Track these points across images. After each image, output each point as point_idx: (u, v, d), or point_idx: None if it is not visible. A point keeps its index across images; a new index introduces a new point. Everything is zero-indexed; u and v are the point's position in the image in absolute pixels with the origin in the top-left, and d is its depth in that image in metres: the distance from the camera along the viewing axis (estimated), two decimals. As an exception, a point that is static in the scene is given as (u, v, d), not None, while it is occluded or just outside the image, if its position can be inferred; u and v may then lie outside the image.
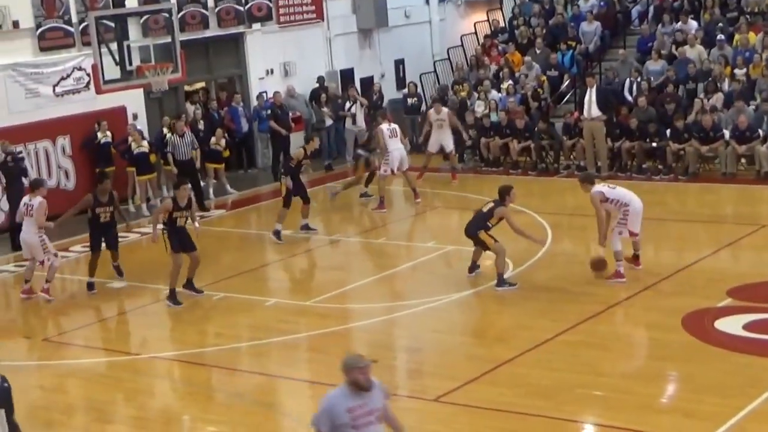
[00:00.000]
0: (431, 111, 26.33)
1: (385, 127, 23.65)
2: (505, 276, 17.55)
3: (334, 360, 14.95)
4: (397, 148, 23.56)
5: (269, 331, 16.29)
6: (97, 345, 16.41)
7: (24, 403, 14.28)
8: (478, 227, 17.61)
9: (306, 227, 21.87)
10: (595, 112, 25.19)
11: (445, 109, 26.24)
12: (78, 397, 14.72)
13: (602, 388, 13.34)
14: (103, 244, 19.12)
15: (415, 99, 29.85)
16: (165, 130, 25.40)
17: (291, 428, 13.21)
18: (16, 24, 23.94)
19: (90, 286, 18.98)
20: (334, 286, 18.38)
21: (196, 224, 18.43)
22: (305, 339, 16.06)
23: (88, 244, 19.35)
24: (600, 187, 17.75)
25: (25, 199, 18.55)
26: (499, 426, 12.45)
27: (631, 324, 15.59)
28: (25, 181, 22.74)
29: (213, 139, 25.85)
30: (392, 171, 23.70)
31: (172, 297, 17.73)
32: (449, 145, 26.04)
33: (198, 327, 16.89)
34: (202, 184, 25.31)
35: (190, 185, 18.72)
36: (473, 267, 18.16)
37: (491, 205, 17.59)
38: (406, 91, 30.54)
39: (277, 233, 21.33)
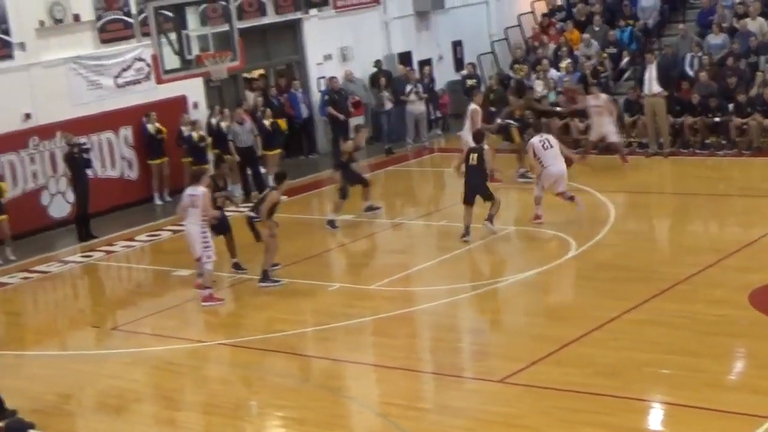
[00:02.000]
0: (589, 96, 25.19)
1: (536, 139, 20.31)
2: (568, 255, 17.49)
3: (400, 343, 15.13)
4: (553, 164, 19.92)
5: (334, 316, 16.35)
6: (165, 333, 16.54)
7: (94, 392, 14.55)
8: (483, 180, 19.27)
9: (370, 208, 22.13)
10: (656, 88, 24.97)
11: (603, 95, 24.82)
12: (147, 384, 14.87)
13: (669, 366, 13.25)
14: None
15: (474, 80, 29.73)
16: (213, 120, 25.50)
17: (358, 412, 13.24)
18: (76, 17, 24.16)
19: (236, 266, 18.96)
20: (398, 269, 18.40)
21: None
22: (370, 323, 16.10)
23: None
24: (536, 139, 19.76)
25: (189, 190, 17.57)
26: (565, 406, 12.41)
27: (697, 301, 15.43)
28: (90, 173, 23.03)
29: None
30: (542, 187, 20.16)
31: (269, 277, 18.10)
32: (611, 135, 24.45)
33: (263, 313, 16.98)
34: (262, 171, 25.43)
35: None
36: (467, 232, 19.21)
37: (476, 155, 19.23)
38: (464, 72, 30.45)
39: (331, 222, 21.44)
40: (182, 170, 24.69)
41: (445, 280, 17.73)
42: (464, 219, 19.32)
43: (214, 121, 25.50)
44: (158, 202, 25.13)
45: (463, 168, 19.57)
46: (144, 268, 20.93)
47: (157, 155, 24.96)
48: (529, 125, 23.35)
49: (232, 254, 18.82)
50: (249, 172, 24.97)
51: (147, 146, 25.04)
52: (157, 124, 24.85)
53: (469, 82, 29.63)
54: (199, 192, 17.36)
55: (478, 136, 20.18)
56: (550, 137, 20.48)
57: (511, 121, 24.40)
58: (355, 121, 28.30)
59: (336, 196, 21.71)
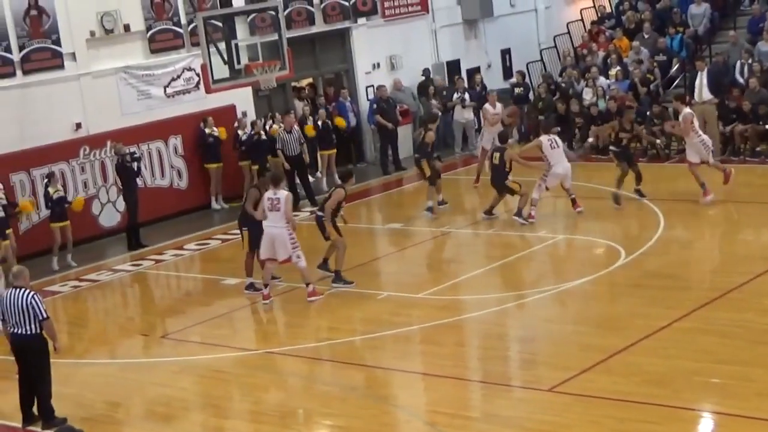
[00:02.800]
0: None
1: (545, 138, 21.21)
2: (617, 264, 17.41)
3: (448, 352, 15.10)
4: (559, 162, 21.11)
5: (382, 324, 16.34)
6: (213, 341, 16.60)
7: (142, 400, 14.63)
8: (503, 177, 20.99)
9: (441, 202, 22.94)
10: (707, 95, 24.80)
11: (686, 110, 21.73)
12: (195, 393, 14.93)
13: (720, 376, 13.14)
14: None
15: (522, 88, 29.64)
16: (267, 127, 25.68)
17: (405, 421, 13.23)
18: (127, 27, 24.36)
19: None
20: (446, 277, 18.39)
21: (342, 212, 18.91)
22: (418, 331, 16.08)
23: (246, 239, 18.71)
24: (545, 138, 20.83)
25: (269, 193, 17.41)
26: (614, 415, 12.33)
27: (748, 310, 15.28)
28: (139, 182, 23.19)
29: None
30: (546, 188, 21.41)
31: (342, 278, 18.36)
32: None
33: (312, 322, 17.02)
34: (311, 179, 25.52)
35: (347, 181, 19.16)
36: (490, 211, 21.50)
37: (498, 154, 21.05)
38: (513, 80, 30.38)
39: (429, 209, 22.52)
40: (239, 175, 25.20)
41: (493, 289, 17.69)
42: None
43: (267, 127, 25.66)
44: (216, 206, 25.35)
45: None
46: (193, 277, 21.03)
47: (213, 159, 25.10)
48: None
49: (328, 255, 18.84)
50: (297, 180, 25.05)
51: (204, 151, 25.22)
52: (215, 129, 24.99)
53: (517, 90, 29.57)
54: (280, 195, 17.35)
55: (502, 136, 22.27)
56: (556, 137, 21.55)
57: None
58: (404, 129, 28.38)
59: (427, 185, 22.82)
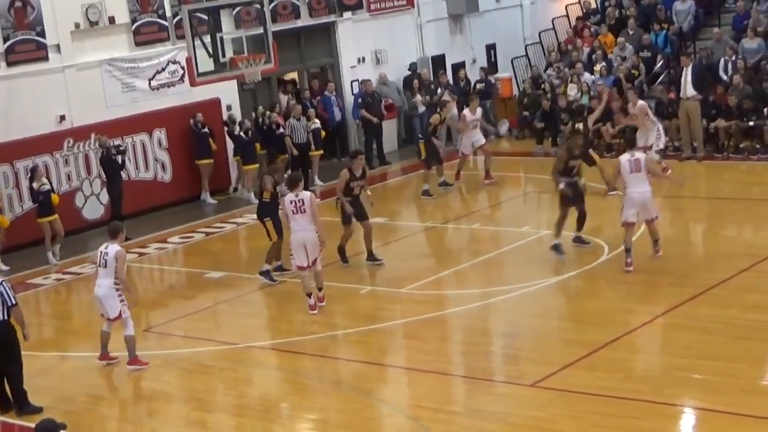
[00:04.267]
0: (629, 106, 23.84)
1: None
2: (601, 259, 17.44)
3: (431, 347, 15.11)
4: (638, 190, 17.36)
5: (366, 319, 16.36)
6: (196, 335, 16.59)
7: (126, 393, 14.62)
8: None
9: (444, 184, 23.85)
10: (691, 91, 24.82)
11: (640, 102, 23.27)
12: (178, 386, 14.92)
13: (703, 372, 13.18)
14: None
15: (483, 84, 29.61)
16: (261, 119, 25.70)
17: (389, 415, 13.24)
18: (111, 20, 24.29)
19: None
20: (429, 272, 18.39)
21: (368, 192, 19.06)
22: (401, 326, 16.09)
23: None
24: (625, 155, 17.60)
25: (290, 196, 16.56)
26: (597, 411, 12.37)
27: (731, 306, 15.34)
28: (123, 175, 23.16)
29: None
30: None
31: (343, 255, 18.68)
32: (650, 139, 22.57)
33: (294, 316, 16.99)
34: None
35: (363, 155, 19.59)
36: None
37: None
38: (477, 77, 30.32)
39: (425, 192, 23.40)
40: (226, 170, 25.62)
41: (477, 284, 17.72)
42: None
43: (261, 119, 25.72)
44: (211, 201, 25.29)
45: None
46: (176, 270, 21.00)
47: (204, 155, 25.09)
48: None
49: (368, 246, 19.05)
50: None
51: (196, 146, 25.19)
52: (203, 127, 24.97)
53: (479, 86, 29.53)
54: (303, 196, 16.54)
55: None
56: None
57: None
58: (388, 124, 28.41)
59: (423, 167, 23.77)
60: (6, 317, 13.61)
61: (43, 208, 21.37)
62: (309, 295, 16.72)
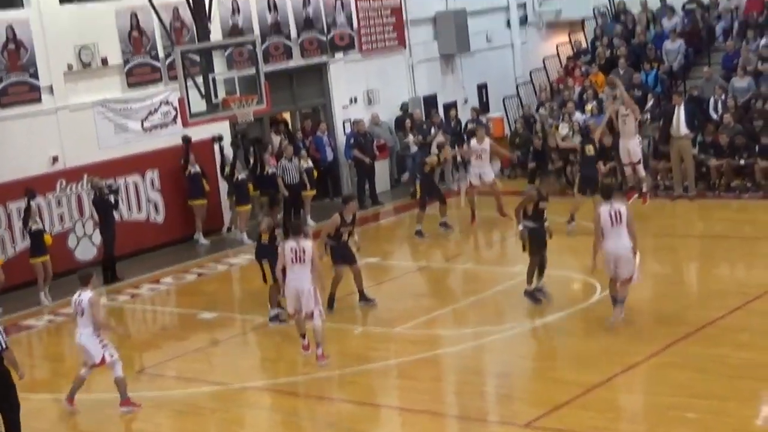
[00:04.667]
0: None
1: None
2: (594, 299, 17.44)
3: (425, 387, 15.09)
4: (613, 245, 16.35)
5: (359, 359, 16.34)
6: (189, 376, 16.56)
7: (119, 435, 14.55)
8: None
9: (444, 224, 23.74)
10: (684, 130, 24.89)
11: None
12: (171, 428, 14.89)
13: (696, 410, 13.17)
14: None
15: (474, 124, 29.57)
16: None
17: (382, 456, 13.23)
18: (104, 61, 24.36)
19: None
20: (423, 312, 18.39)
21: (356, 237, 19.04)
22: (394, 366, 16.08)
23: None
24: (605, 207, 16.26)
25: (291, 243, 16.11)
26: (591, 451, 12.37)
27: (723, 345, 15.35)
28: (116, 216, 23.16)
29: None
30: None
31: (330, 304, 18.28)
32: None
33: (288, 356, 16.97)
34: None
35: (356, 200, 19.54)
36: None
37: None
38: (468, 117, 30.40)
39: (418, 232, 23.38)
40: (219, 210, 25.66)
41: (470, 324, 17.71)
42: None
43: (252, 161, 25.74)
44: (204, 242, 25.23)
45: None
46: (169, 311, 20.98)
47: (197, 196, 25.11)
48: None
49: (359, 287, 18.97)
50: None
51: (188, 187, 25.18)
52: (197, 166, 24.94)
53: (471, 126, 29.61)
54: (305, 245, 16.07)
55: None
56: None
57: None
58: (381, 164, 28.48)
59: (417, 207, 23.79)
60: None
61: (35, 248, 21.39)
62: (303, 335, 16.52)
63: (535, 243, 17.64)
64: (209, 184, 25.23)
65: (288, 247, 16.22)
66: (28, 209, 21.55)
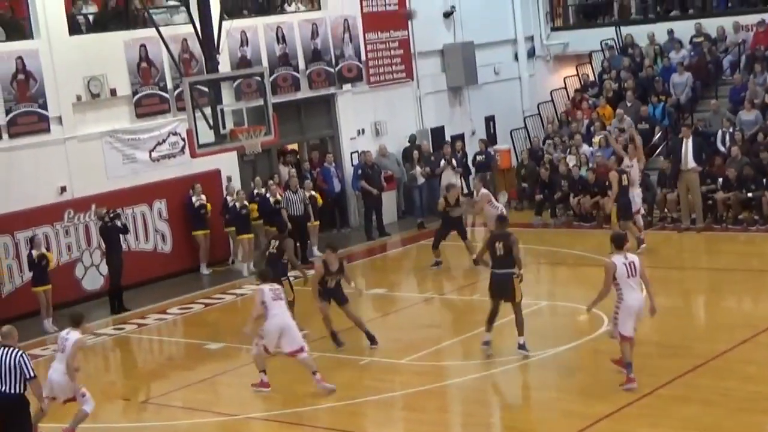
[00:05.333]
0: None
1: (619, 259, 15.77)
2: (601, 330, 17.40)
3: (431, 418, 15.05)
4: (635, 296, 15.29)
5: (365, 390, 16.31)
6: (195, 406, 16.53)
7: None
8: None
9: (436, 264, 23.54)
10: (692, 163, 24.89)
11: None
12: (177, 458, 14.86)
13: (703, 443, 13.14)
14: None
15: (483, 156, 29.70)
16: (257, 191, 25.73)
17: (388, 487, 13.19)
18: (113, 92, 24.45)
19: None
20: (429, 343, 18.35)
21: (352, 284, 18.83)
22: (400, 397, 16.04)
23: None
24: (618, 257, 15.23)
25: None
26: (597, 483, 12.32)
27: (731, 377, 15.31)
28: (123, 245, 23.19)
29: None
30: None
31: (336, 341, 18.24)
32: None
33: (294, 387, 16.94)
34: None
35: (336, 249, 18.58)
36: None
37: None
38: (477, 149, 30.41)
39: (437, 263, 23.48)
40: (224, 241, 25.38)
41: (477, 355, 17.65)
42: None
43: (257, 191, 25.69)
44: (206, 272, 25.24)
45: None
46: (176, 341, 20.97)
47: (201, 227, 25.13)
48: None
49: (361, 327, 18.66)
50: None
51: (192, 218, 25.19)
52: (203, 197, 24.99)
53: (479, 158, 29.67)
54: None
55: None
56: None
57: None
58: (388, 195, 28.46)
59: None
60: (22, 390, 13.44)
61: (37, 277, 21.43)
62: (263, 371, 16.60)
63: (497, 290, 17.19)
64: (212, 214, 25.20)
65: (266, 289, 16.38)
66: (32, 239, 21.67)
